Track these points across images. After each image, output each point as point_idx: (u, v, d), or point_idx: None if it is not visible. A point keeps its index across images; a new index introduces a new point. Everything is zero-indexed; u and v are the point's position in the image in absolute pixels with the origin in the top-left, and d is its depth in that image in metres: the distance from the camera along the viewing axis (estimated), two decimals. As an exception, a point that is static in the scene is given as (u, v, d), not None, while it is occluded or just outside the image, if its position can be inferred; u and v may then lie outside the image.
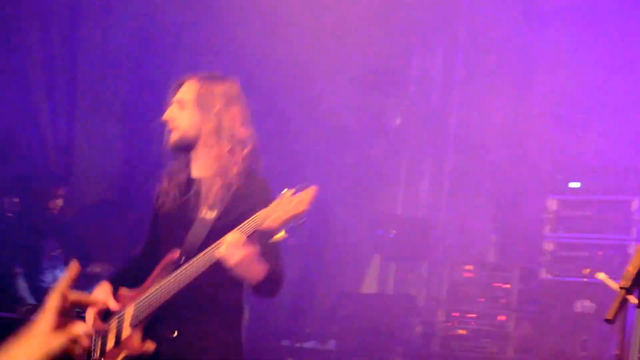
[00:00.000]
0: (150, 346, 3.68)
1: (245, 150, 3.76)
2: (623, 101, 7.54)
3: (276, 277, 3.71)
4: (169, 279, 3.66)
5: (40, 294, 6.46)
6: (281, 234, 3.49)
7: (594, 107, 7.69)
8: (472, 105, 8.50)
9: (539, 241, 7.29)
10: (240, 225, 3.51)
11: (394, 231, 8.15)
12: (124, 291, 3.79)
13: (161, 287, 3.69)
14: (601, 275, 4.57)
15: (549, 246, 7.18)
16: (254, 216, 3.52)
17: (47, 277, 6.45)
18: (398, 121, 8.61)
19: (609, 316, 3.12)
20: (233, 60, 7.81)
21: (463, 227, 8.37)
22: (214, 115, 3.74)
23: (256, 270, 3.59)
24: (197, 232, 3.73)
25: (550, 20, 8.36)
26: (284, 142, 8.19)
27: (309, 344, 7.73)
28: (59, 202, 6.57)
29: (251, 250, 3.49)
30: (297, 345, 7.75)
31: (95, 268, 6.25)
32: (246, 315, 5.68)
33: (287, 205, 3.47)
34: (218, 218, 3.71)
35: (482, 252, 8.15)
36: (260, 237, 3.55)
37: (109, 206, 7.18)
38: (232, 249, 3.47)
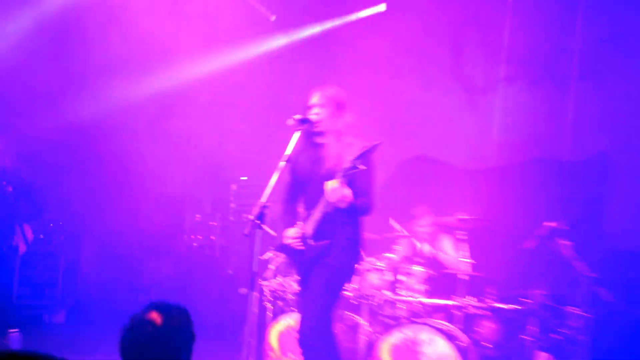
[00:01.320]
0: None
1: None
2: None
3: None
4: None
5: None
6: None
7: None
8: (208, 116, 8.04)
9: (229, 205, 8.21)
10: None
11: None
12: None
13: None
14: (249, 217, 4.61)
15: (233, 207, 8.14)
16: None
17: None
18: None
19: (246, 232, 4.01)
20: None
21: (197, 198, 8.61)
22: None
23: None
24: None
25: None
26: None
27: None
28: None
29: None
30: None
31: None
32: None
33: None
34: None
35: (205, 208, 8.58)
36: None
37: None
38: None
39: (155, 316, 2.53)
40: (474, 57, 7.90)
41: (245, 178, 8.02)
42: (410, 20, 7.60)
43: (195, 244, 7.70)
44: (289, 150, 4.27)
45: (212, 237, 7.57)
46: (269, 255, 5.58)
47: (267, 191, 4.12)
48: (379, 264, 5.88)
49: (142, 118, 7.94)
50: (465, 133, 7.70)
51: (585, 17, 7.18)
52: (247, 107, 7.92)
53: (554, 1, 7.40)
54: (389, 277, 5.77)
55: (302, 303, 4.48)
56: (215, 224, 7.66)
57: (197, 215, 7.89)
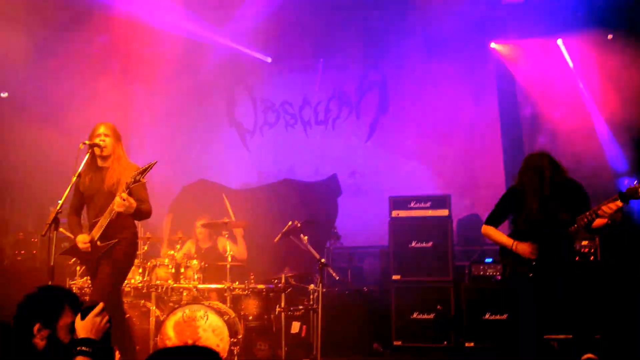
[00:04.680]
0: None
1: None
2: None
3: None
4: None
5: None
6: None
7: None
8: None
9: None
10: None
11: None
12: None
13: None
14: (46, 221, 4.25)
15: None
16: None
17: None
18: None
19: (43, 233, 4.01)
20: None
21: (20, 218, 7.49)
22: None
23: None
24: None
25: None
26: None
27: None
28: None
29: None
30: None
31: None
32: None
33: None
34: None
35: (28, 227, 7.36)
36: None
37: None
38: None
39: None
40: (244, 107, 8.32)
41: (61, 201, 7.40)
42: (194, 81, 8.10)
43: (19, 258, 6.88)
44: (80, 168, 4.30)
45: (34, 252, 6.76)
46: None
47: (61, 200, 4.11)
48: (165, 260, 5.86)
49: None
50: (236, 162, 8.17)
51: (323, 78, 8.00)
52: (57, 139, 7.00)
53: (301, 67, 7.95)
54: (172, 270, 5.74)
55: (94, 291, 4.41)
56: (36, 240, 6.84)
57: (20, 233, 7.07)
